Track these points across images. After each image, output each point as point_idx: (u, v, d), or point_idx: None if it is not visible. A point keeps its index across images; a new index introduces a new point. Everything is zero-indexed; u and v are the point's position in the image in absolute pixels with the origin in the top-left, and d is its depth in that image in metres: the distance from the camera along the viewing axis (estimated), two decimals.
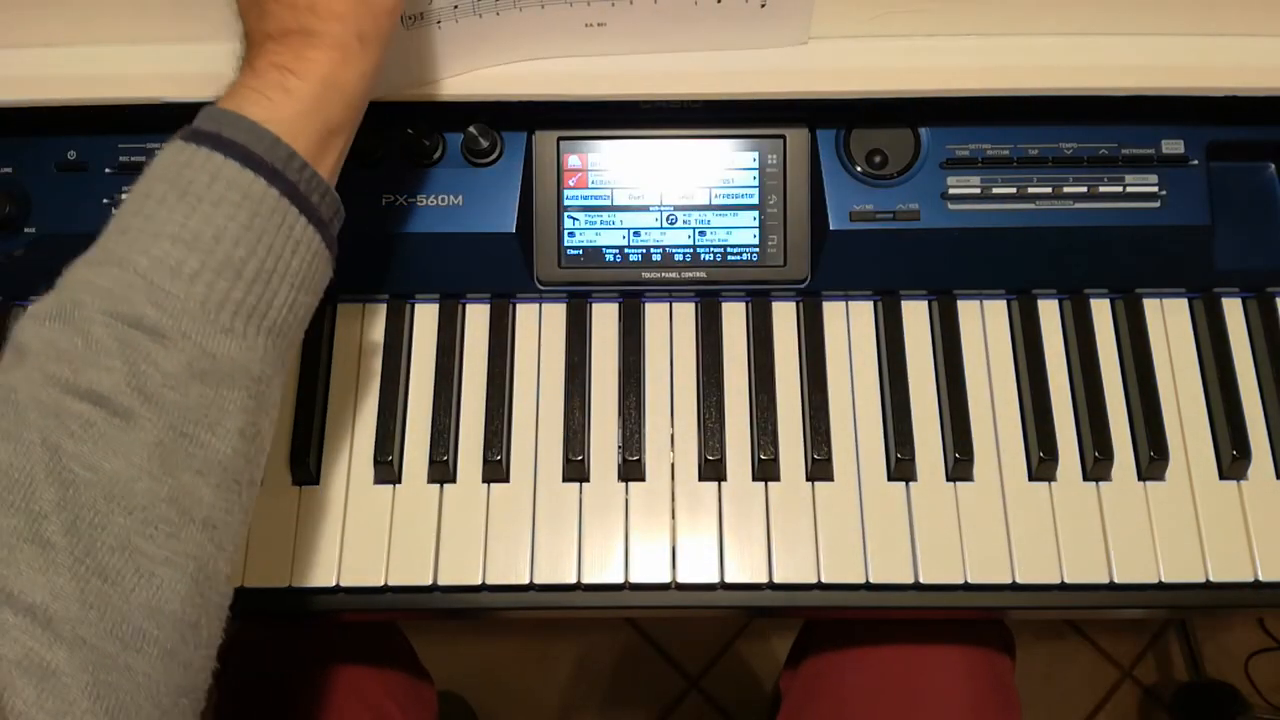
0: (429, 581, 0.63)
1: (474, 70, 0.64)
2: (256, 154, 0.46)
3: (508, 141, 0.69)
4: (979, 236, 0.68)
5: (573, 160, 0.69)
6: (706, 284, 0.69)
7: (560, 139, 0.69)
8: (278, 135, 0.47)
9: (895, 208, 0.68)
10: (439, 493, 0.66)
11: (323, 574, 0.64)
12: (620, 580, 0.64)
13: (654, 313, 0.70)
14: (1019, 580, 0.63)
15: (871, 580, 0.63)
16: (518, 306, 0.70)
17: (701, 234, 0.69)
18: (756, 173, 0.69)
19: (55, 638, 0.38)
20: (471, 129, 0.67)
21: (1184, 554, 0.63)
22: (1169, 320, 0.69)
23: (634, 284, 0.69)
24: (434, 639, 1.30)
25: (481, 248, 0.68)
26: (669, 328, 0.70)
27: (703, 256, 0.69)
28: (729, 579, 0.63)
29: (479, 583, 0.63)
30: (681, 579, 0.64)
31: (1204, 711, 1.27)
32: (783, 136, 0.68)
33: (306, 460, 0.66)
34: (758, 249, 0.69)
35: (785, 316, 0.69)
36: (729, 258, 0.69)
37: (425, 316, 0.70)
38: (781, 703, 0.80)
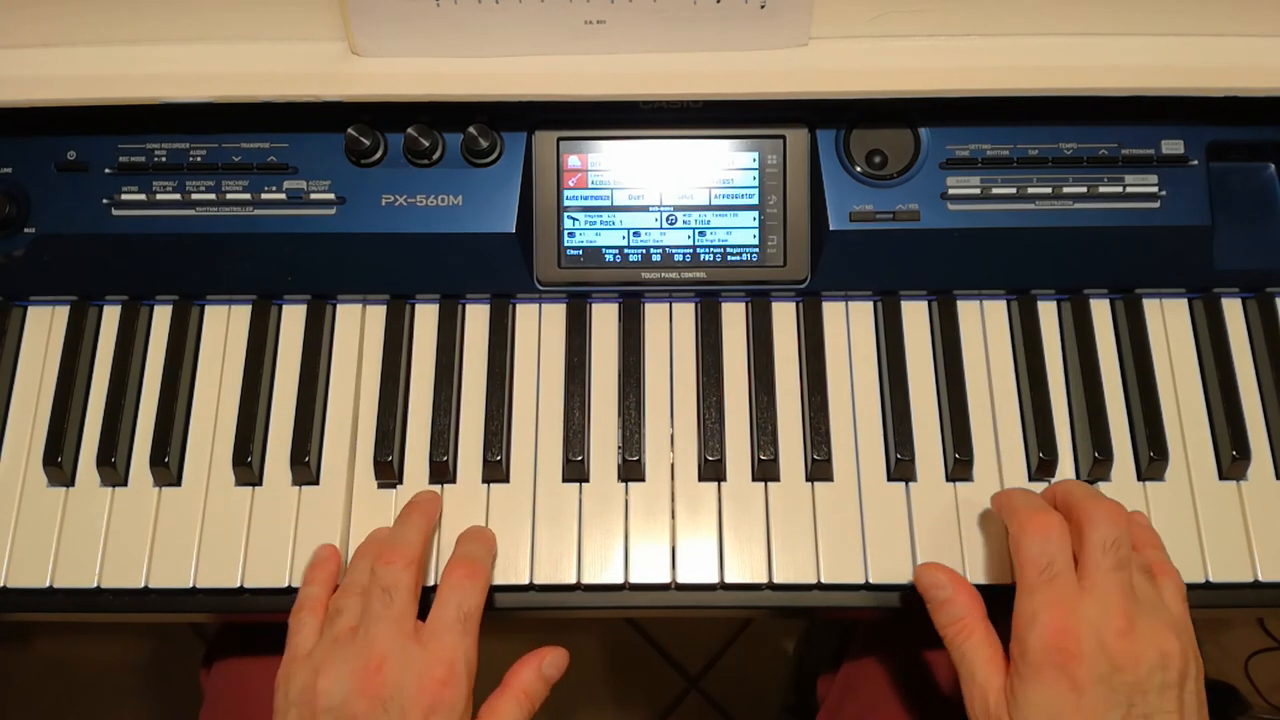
0: (429, 582, 0.63)
1: (472, 58, 0.64)
2: None
3: (508, 141, 0.69)
4: (979, 236, 0.68)
5: (573, 160, 0.69)
6: (706, 284, 0.69)
7: (560, 139, 0.69)
8: None
9: (895, 208, 0.68)
10: (439, 493, 0.66)
11: None
12: (620, 580, 0.64)
13: (654, 313, 0.70)
14: None
15: (871, 580, 0.63)
16: (518, 306, 0.70)
17: (701, 234, 0.69)
18: (756, 173, 0.69)
19: None
20: (471, 129, 0.67)
21: (1184, 554, 0.63)
22: (1169, 320, 0.69)
23: (634, 284, 0.69)
24: None
25: (481, 248, 0.68)
26: (669, 328, 0.70)
27: (702, 257, 0.69)
28: (729, 579, 0.63)
29: None
30: (681, 579, 0.64)
31: None
32: (783, 136, 0.68)
33: (306, 460, 0.66)
34: (757, 249, 0.69)
35: (785, 316, 0.69)
36: (729, 258, 0.69)
37: (425, 316, 0.70)
38: (820, 708, 0.80)
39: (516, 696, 0.58)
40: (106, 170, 0.69)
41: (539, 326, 0.69)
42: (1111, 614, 0.52)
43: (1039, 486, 0.65)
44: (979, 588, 0.63)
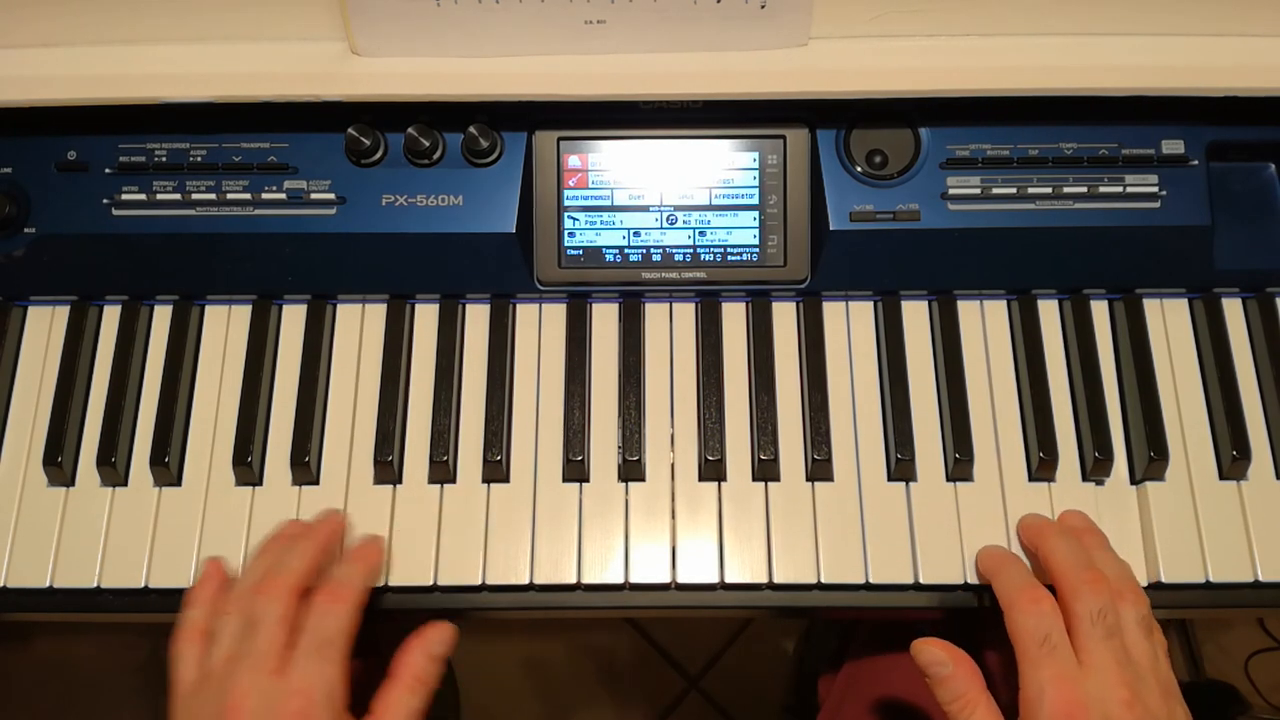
0: (429, 581, 0.63)
1: (472, 58, 0.64)
2: None
3: (508, 141, 0.69)
4: (979, 236, 0.68)
5: (573, 160, 0.69)
6: (706, 284, 0.69)
7: (560, 139, 0.69)
8: None
9: (895, 208, 0.68)
10: (439, 493, 0.66)
11: None
12: (620, 580, 0.64)
13: (654, 313, 0.70)
14: None
15: (871, 580, 0.63)
16: (518, 306, 0.70)
17: (701, 234, 0.69)
18: (756, 173, 0.69)
19: None
20: (471, 129, 0.67)
21: (1184, 554, 0.63)
22: (1169, 320, 0.69)
23: (634, 284, 0.69)
24: None
25: (481, 248, 0.68)
26: (669, 328, 0.70)
27: (703, 256, 0.69)
28: (729, 579, 0.63)
29: (479, 583, 0.63)
30: (681, 579, 0.64)
31: (1204, 711, 1.27)
32: (783, 136, 0.68)
33: (306, 461, 0.66)
34: (758, 249, 0.69)
35: (785, 316, 0.69)
36: (729, 258, 0.69)
37: (425, 316, 0.70)
38: (820, 708, 0.80)
39: (408, 684, 0.56)
40: (106, 170, 0.69)
41: (539, 326, 0.69)
42: (1113, 685, 0.53)
43: (1039, 487, 0.65)
44: (979, 588, 0.63)
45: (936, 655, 0.56)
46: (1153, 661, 0.55)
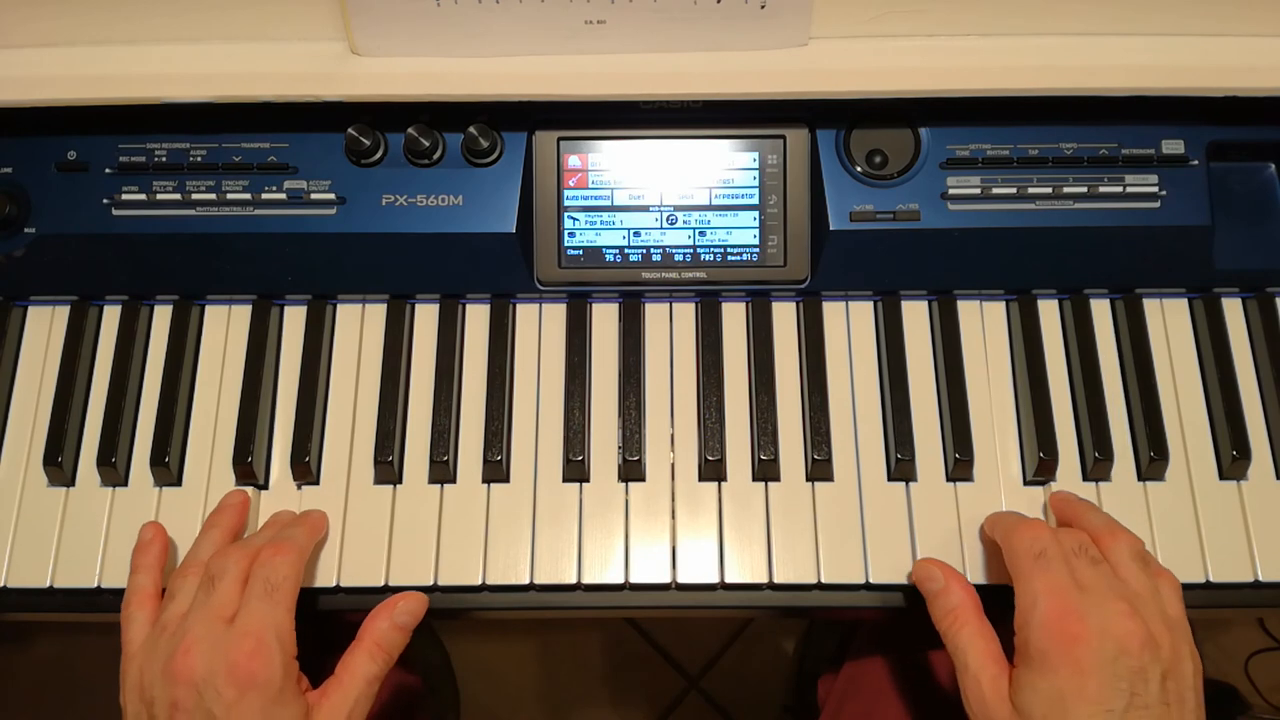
0: (429, 581, 0.63)
1: (472, 58, 0.64)
2: None
3: (508, 141, 0.69)
4: (979, 236, 0.68)
5: (573, 160, 0.69)
6: (706, 284, 0.69)
7: (560, 139, 0.69)
8: None
9: (895, 208, 0.68)
10: (439, 493, 0.66)
11: (323, 574, 0.64)
12: (620, 580, 0.64)
13: (654, 313, 0.70)
14: None
15: (871, 580, 0.63)
16: (518, 306, 0.70)
17: (701, 234, 0.69)
18: (756, 173, 0.69)
19: None
20: (471, 129, 0.67)
21: (1184, 554, 0.63)
22: (1169, 320, 0.69)
23: (634, 284, 0.69)
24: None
25: (481, 248, 0.68)
26: (669, 328, 0.70)
27: (703, 256, 0.69)
28: (729, 579, 0.63)
29: (479, 583, 0.63)
30: (681, 579, 0.64)
31: None
32: (783, 136, 0.68)
33: (306, 460, 0.66)
34: (758, 249, 0.69)
35: (785, 316, 0.69)
36: (729, 258, 0.69)
37: (425, 316, 0.70)
38: (821, 709, 0.80)
39: (369, 649, 0.57)
40: (106, 170, 0.69)
41: (539, 326, 0.69)
42: (1109, 599, 0.52)
43: (1038, 489, 0.65)
44: (980, 588, 0.63)
45: (930, 571, 0.57)
46: (1152, 591, 0.54)
